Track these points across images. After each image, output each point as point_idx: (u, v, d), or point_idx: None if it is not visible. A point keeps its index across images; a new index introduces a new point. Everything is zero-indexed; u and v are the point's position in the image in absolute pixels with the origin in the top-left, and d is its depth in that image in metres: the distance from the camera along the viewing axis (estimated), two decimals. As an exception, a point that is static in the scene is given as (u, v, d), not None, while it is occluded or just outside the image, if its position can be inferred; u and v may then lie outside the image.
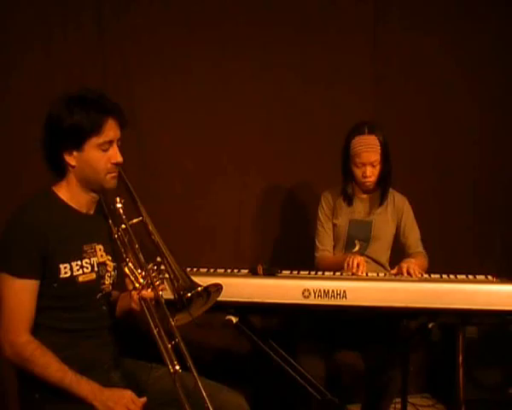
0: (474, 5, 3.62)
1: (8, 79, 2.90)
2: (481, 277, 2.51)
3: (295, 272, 2.56)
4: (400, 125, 3.55)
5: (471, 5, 3.62)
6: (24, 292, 1.84)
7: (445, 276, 2.50)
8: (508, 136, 3.70)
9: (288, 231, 3.48)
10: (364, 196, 2.89)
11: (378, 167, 2.77)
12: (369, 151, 2.72)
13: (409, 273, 2.55)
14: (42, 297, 1.88)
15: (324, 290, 2.33)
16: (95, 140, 1.89)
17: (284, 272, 2.53)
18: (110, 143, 1.92)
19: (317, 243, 2.91)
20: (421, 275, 2.55)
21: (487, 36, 3.63)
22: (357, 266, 2.56)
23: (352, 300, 2.33)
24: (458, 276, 2.51)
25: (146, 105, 3.16)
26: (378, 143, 2.73)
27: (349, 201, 2.88)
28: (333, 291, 2.33)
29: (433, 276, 2.51)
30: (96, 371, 1.93)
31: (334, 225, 2.90)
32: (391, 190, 2.89)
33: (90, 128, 1.88)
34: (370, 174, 2.75)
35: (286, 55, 3.38)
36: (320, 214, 2.93)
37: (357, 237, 2.85)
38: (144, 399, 1.90)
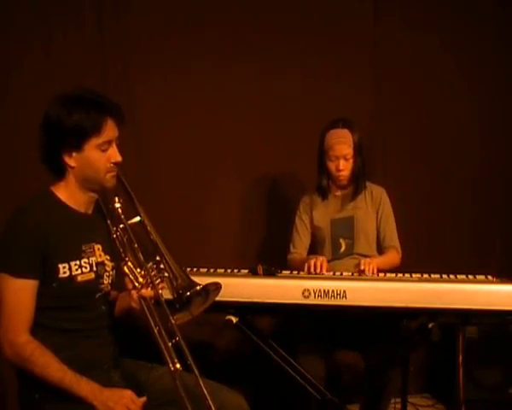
0: (474, 5, 3.62)
1: (8, 79, 2.91)
2: (481, 277, 2.51)
3: (295, 272, 2.57)
4: (400, 125, 3.56)
5: (471, 5, 3.62)
6: (23, 292, 1.84)
7: (445, 276, 2.50)
8: (508, 136, 3.70)
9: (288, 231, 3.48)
10: (339, 192, 2.91)
11: (351, 162, 2.81)
12: (342, 144, 2.77)
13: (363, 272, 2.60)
14: (41, 297, 1.87)
15: (324, 290, 2.33)
16: (95, 140, 1.89)
17: (284, 272, 2.54)
18: (109, 142, 1.92)
19: (290, 245, 2.96)
20: (377, 274, 2.58)
21: (487, 36, 3.63)
22: (319, 266, 2.59)
23: (352, 300, 2.33)
24: (458, 276, 2.51)
25: (146, 105, 3.16)
26: (351, 138, 2.78)
27: (323, 195, 2.91)
28: (333, 291, 2.33)
29: (433, 276, 2.51)
30: (96, 371, 1.93)
31: (316, 228, 2.91)
32: (368, 183, 2.91)
33: (90, 129, 1.87)
34: (343, 168, 2.80)
35: (286, 55, 3.37)
36: (296, 218, 2.98)
37: (342, 235, 2.86)
38: (144, 399, 1.89)
